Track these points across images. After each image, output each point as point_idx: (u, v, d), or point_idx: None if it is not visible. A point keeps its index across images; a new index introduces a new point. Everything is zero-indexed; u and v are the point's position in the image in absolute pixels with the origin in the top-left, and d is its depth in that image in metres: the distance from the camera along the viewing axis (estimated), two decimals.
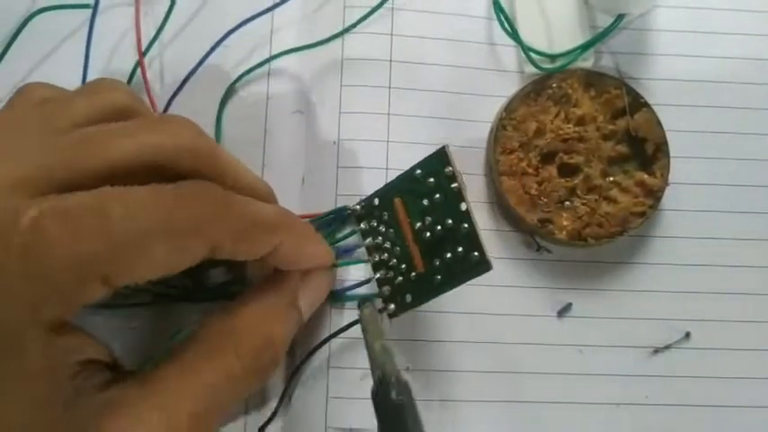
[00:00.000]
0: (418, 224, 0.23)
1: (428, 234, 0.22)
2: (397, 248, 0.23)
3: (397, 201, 0.23)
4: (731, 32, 0.29)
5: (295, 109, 0.28)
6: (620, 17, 0.28)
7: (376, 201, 0.24)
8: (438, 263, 0.22)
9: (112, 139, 0.18)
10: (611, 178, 0.27)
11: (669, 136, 0.27)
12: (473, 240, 0.21)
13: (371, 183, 0.27)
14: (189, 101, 0.27)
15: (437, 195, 0.22)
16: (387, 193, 0.24)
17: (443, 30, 0.28)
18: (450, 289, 0.22)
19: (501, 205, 0.27)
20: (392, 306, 0.23)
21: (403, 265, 0.23)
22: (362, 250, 0.25)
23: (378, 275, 0.24)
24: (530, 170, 0.26)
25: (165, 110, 0.27)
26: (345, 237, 0.26)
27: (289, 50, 0.28)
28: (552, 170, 0.27)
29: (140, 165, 0.18)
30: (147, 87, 0.27)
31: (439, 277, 0.22)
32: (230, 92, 0.28)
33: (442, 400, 0.26)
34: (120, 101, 0.20)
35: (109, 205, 0.16)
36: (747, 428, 0.26)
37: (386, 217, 0.24)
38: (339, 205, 0.26)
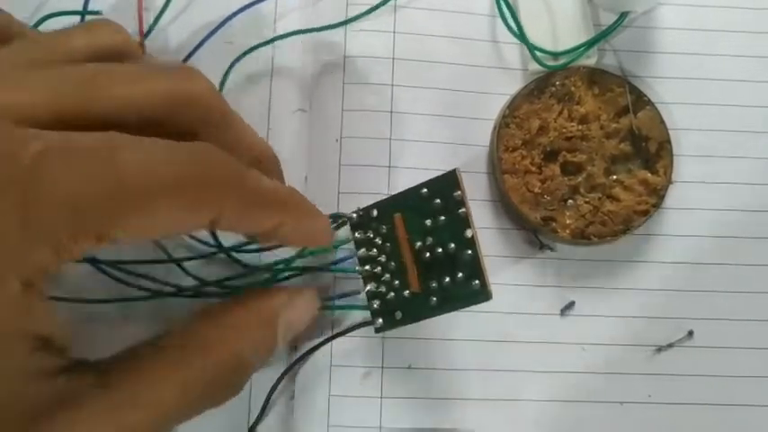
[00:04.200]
0: (418, 243, 0.22)
1: (428, 254, 0.22)
2: (392, 264, 0.23)
3: (398, 216, 0.23)
4: (735, 30, 0.29)
5: (297, 107, 0.28)
6: (623, 15, 0.28)
7: (374, 212, 0.23)
8: (435, 285, 0.22)
9: (126, 77, 0.16)
10: (615, 176, 0.26)
11: (672, 134, 0.27)
12: (476, 268, 0.21)
13: (374, 181, 0.27)
14: None
15: (442, 217, 0.22)
16: (387, 206, 0.23)
17: (446, 27, 0.28)
18: (444, 313, 0.22)
19: (504, 203, 0.27)
20: (380, 320, 0.23)
21: (396, 281, 0.22)
22: (354, 260, 0.24)
23: (368, 288, 0.23)
24: (533, 168, 0.26)
25: None
26: (339, 244, 0.25)
27: (293, 32, 0.28)
28: (555, 168, 0.26)
29: (150, 110, 0.16)
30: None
31: (434, 299, 0.22)
32: (230, 73, 0.27)
33: (443, 398, 0.26)
34: (124, 44, 0.19)
35: (120, 152, 0.15)
36: (751, 427, 0.26)
37: (383, 230, 0.23)
38: (341, 204, 0.26)
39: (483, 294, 0.21)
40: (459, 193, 0.21)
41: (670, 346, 0.27)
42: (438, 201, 0.22)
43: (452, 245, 0.21)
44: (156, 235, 0.16)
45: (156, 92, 0.17)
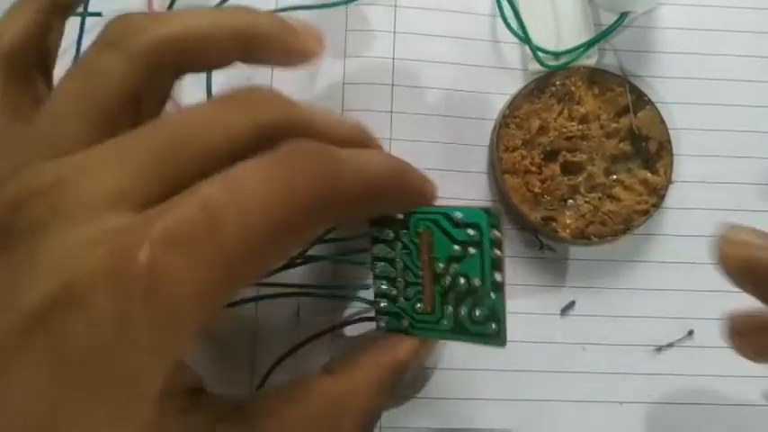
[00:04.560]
0: (441, 265, 0.21)
1: (448, 280, 0.21)
2: (410, 273, 0.21)
3: (425, 230, 0.21)
4: (735, 30, 0.29)
5: None
6: (623, 15, 0.28)
7: (399, 215, 0.22)
8: (449, 310, 0.21)
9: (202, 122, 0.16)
10: (615, 176, 0.26)
11: (672, 134, 0.27)
12: (497, 313, 0.20)
13: None
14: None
15: (472, 250, 0.20)
16: (414, 215, 0.21)
17: (446, 27, 0.28)
18: (452, 340, 0.21)
19: (504, 203, 0.27)
20: (385, 320, 0.22)
21: (409, 290, 0.21)
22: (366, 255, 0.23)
23: (380, 286, 0.22)
24: (533, 168, 0.26)
25: None
26: (357, 237, 0.25)
27: (294, 7, 0.28)
28: (555, 168, 0.26)
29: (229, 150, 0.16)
30: None
31: (445, 323, 0.21)
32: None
33: (443, 398, 0.26)
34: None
35: (219, 215, 0.14)
36: (751, 426, 0.26)
37: (405, 236, 0.21)
38: None
39: (497, 339, 0.20)
40: (498, 234, 0.20)
41: (670, 345, 0.27)
42: (472, 232, 0.20)
43: (477, 281, 0.20)
44: (271, 269, 0.17)
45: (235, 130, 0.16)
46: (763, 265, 0.17)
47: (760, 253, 0.17)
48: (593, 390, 0.26)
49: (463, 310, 0.20)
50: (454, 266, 0.20)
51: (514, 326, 0.26)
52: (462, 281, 0.20)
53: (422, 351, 0.22)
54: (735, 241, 0.17)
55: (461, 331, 0.20)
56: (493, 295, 0.20)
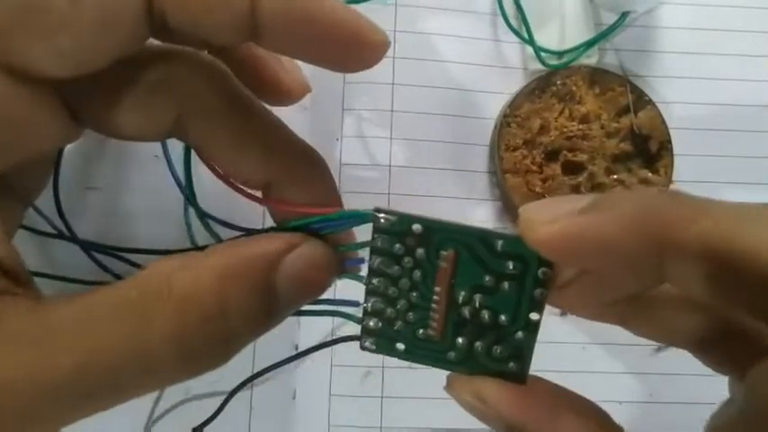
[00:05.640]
0: (462, 293, 0.18)
1: (468, 311, 0.18)
2: (415, 295, 0.19)
3: (451, 254, 0.18)
4: (736, 30, 0.29)
5: (298, 106, 0.28)
6: (624, 14, 0.28)
7: (418, 227, 0.18)
8: (461, 342, 0.18)
9: None
10: (615, 176, 0.26)
11: (673, 134, 0.27)
12: (522, 354, 0.18)
13: (375, 180, 0.27)
14: None
15: (506, 284, 0.18)
16: (440, 231, 0.18)
17: (448, 26, 0.28)
18: (457, 371, 0.19)
19: (505, 203, 0.27)
20: (370, 342, 0.19)
21: (411, 314, 0.19)
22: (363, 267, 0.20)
23: (372, 302, 0.19)
24: (534, 167, 0.26)
25: None
26: (359, 246, 0.21)
27: None
28: (556, 168, 0.26)
29: None
30: None
31: (453, 355, 0.19)
32: None
33: (444, 398, 0.26)
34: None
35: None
36: None
37: (419, 254, 0.18)
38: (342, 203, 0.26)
39: (518, 377, 0.18)
40: (547, 271, 0.17)
41: (670, 345, 0.27)
42: (512, 265, 0.18)
43: (504, 317, 0.18)
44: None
45: None
46: (584, 235, 0.14)
47: (571, 225, 0.14)
48: (593, 390, 0.26)
49: (479, 345, 0.18)
50: (479, 298, 0.18)
51: None
52: (486, 315, 0.18)
53: (308, 251, 0.17)
54: (541, 221, 0.15)
55: (474, 366, 0.19)
56: (521, 334, 0.18)
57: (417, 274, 0.18)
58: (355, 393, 0.25)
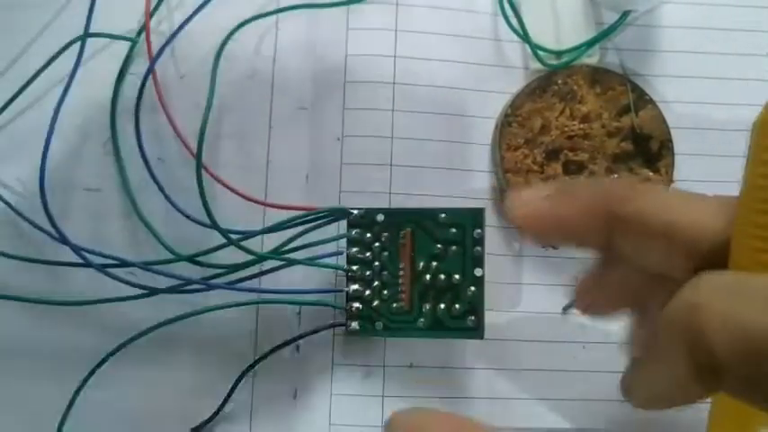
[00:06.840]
0: (421, 263, 0.22)
1: (428, 277, 0.22)
2: (386, 273, 0.23)
3: (408, 231, 0.23)
4: (737, 29, 0.29)
5: (299, 105, 0.28)
6: (625, 14, 0.28)
7: (381, 217, 0.23)
8: (427, 308, 0.22)
9: None
10: (616, 175, 0.26)
11: (674, 133, 0.27)
12: (476, 307, 0.22)
13: (376, 180, 0.27)
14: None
15: (454, 247, 0.22)
16: (397, 216, 0.23)
17: (448, 25, 0.28)
18: (428, 338, 0.22)
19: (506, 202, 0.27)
20: (355, 324, 0.23)
21: (385, 292, 0.23)
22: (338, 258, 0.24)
23: (353, 288, 0.23)
24: (535, 167, 0.26)
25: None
26: (334, 239, 0.24)
27: (295, 6, 0.28)
28: (557, 167, 0.26)
29: None
30: (150, 51, 0.26)
31: (422, 321, 0.22)
32: (225, 45, 0.27)
33: (443, 397, 0.26)
34: None
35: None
36: None
37: (385, 238, 0.23)
38: (342, 203, 0.26)
39: (476, 332, 0.22)
40: (480, 231, 0.22)
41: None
42: (454, 230, 0.22)
43: (457, 276, 0.22)
44: None
45: None
46: (546, 215, 0.17)
47: (537, 208, 0.17)
48: (594, 389, 0.26)
49: (441, 306, 0.22)
50: (434, 264, 0.22)
51: (515, 324, 0.26)
52: (443, 277, 0.22)
53: None
54: (518, 205, 0.18)
55: (439, 328, 0.22)
56: (473, 288, 0.22)
57: (385, 255, 0.23)
58: (356, 392, 0.25)
